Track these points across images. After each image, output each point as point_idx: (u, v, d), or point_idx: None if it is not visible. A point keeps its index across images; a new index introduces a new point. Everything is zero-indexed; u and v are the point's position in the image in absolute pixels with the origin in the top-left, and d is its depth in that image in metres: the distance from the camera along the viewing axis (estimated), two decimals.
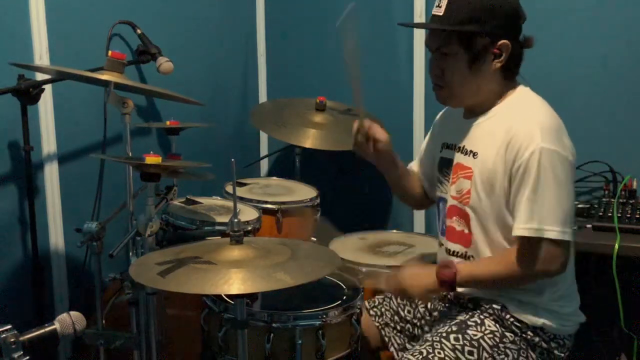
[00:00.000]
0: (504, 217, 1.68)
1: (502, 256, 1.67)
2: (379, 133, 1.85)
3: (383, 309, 1.97)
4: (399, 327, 1.95)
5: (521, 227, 1.60)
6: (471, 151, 1.74)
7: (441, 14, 1.67)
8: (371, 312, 1.97)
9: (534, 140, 1.59)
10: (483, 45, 1.66)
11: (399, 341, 1.94)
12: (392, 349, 1.94)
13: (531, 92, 1.74)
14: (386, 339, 1.95)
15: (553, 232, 1.58)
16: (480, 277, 1.70)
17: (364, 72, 3.13)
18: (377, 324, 1.96)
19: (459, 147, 1.78)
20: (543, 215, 1.59)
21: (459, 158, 1.78)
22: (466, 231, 1.75)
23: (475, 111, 1.77)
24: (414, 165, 2.07)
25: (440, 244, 1.87)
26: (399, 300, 1.96)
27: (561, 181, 1.60)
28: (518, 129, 1.62)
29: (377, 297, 2.01)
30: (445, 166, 1.84)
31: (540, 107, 1.69)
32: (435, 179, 1.90)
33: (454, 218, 1.79)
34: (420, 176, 2.05)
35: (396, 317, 1.95)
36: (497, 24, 1.65)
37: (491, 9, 1.64)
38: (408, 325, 1.94)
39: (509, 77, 1.73)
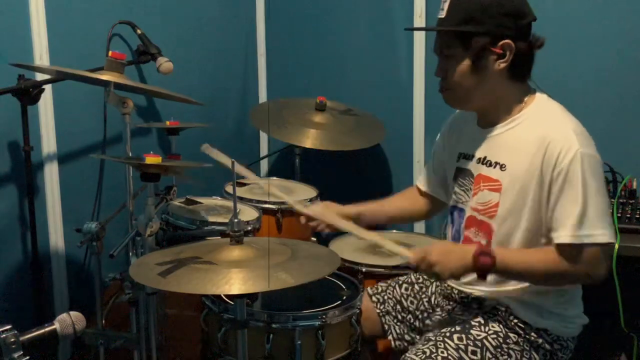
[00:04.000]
0: (532, 231, 1.66)
1: (546, 252, 1.63)
2: (324, 224, 1.88)
3: (386, 297, 1.96)
4: (400, 317, 1.94)
5: (571, 235, 1.57)
6: (497, 163, 1.71)
7: (443, 16, 1.68)
8: (373, 298, 1.97)
9: (573, 146, 1.57)
10: (482, 45, 1.64)
11: (398, 331, 1.94)
12: (390, 337, 1.94)
13: (551, 99, 1.72)
14: (386, 326, 1.94)
15: (603, 236, 1.57)
16: (518, 269, 1.64)
17: (364, 72, 3.13)
18: (378, 311, 1.95)
19: (480, 159, 1.75)
20: (592, 221, 1.57)
21: (481, 169, 1.75)
22: (484, 243, 1.73)
23: (492, 120, 1.74)
24: (421, 184, 2.05)
25: None
26: (403, 290, 1.95)
27: (601, 185, 1.60)
28: (553, 136, 1.60)
29: (380, 284, 2.00)
30: (462, 176, 1.82)
31: (566, 114, 1.68)
32: (450, 188, 1.89)
33: (472, 229, 1.77)
34: (430, 193, 2.03)
35: (398, 307, 1.95)
36: (496, 23, 1.63)
37: (489, 8, 1.63)
38: (409, 316, 1.93)
39: (519, 80, 1.70)
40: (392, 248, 1.75)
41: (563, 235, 1.58)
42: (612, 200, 2.21)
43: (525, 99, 1.71)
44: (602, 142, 2.43)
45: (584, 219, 1.57)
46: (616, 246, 1.99)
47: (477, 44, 1.64)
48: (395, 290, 1.97)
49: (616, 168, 2.35)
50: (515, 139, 1.68)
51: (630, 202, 2.21)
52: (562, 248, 1.59)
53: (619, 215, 2.12)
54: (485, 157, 1.74)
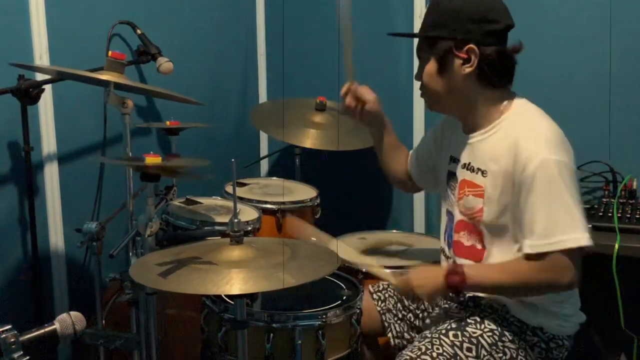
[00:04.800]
0: (518, 235, 1.66)
1: (513, 266, 1.65)
2: (366, 93, 1.94)
3: (387, 295, 1.97)
4: (400, 315, 1.95)
5: (533, 244, 1.58)
6: (479, 169, 1.72)
7: (422, 22, 1.75)
8: (374, 296, 1.98)
9: (540, 153, 1.58)
10: (445, 49, 1.68)
11: (397, 329, 1.95)
12: (389, 334, 1.94)
13: (529, 103, 1.73)
14: (386, 324, 1.95)
15: (570, 241, 1.56)
16: (487, 285, 1.68)
17: (365, 73, 3.14)
18: (379, 309, 1.96)
19: (465, 164, 1.78)
20: (557, 227, 1.57)
21: (465, 175, 1.77)
22: (478, 246, 1.74)
23: (472, 126, 1.77)
24: (409, 164, 2.10)
25: (447, 257, 1.85)
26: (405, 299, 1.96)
27: (570, 190, 1.58)
28: (522, 142, 1.61)
29: (381, 282, 2.01)
30: (451, 179, 1.84)
31: (541, 119, 1.68)
32: (443, 190, 1.90)
33: (462, 233, 1.78)
34: (409, 167, 2.09)
35: (399, 305, 1.96)
36: (460, 29, 1.65)
37: (454, 13, 1.66)
38: (410, 315, 1.94)
39: (492, 85, 1.71)
40: (381, 275, 1.82)
41: (527, 244, 1.59)
42: (612, 200, 2.21)
43: (504, 104, 1.72)
44: (602, 142, 2.45)
45: (547, 227, 1.57)
46: (616, 246, 1.99)
47: (441, 47, 1.69)
48: None
49: (616, 168, 2.35)
50: (493, 146, 1.70)
51: (630, 202, 2.21)
52: (528, 257, 1.60)
53: (619, 215, 2.12)
54: (469, 163, 1.77)
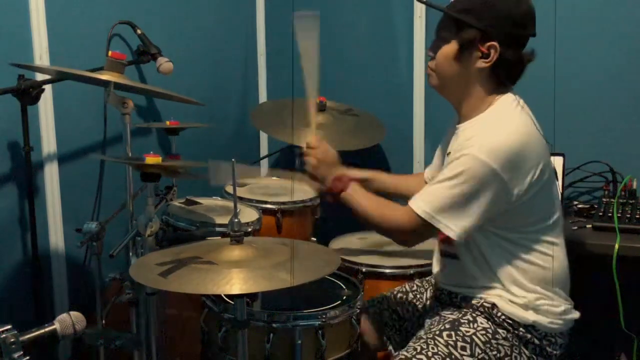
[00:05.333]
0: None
1: (389, 204, 1.80)
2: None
3: (382, 307, 1.98)
4: (397, 326, 1.96)
5: (423, 208, 1.66)
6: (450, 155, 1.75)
7: (453, 0, 1.73)
8: (370, 310, 1.98)
9: (473, 147, 1.61)
10: (471, 38, 1.67)
11: (397, 340, 1.95)
12: (390, 347, 1.95)
13: (512, 102, 1.72)
14: (385, 337, 1.96)
15: (442, 226, 1.64)
16: (357, 206, 1.81)
17: (365, 72, 3.13)
18: (376, 323, 1.96)
19: (449, 153, 1.80)
20: (444, 209, 1.64)
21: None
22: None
23: (463, 116, 1.78)
24: (426, 176, 2.09)
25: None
26: (398, 299, 1.97)
27: (474, 195, 1.61)
28: (474, 136, 1.64)
29: (376, 296, 2.02)
30: None
31: (505, 122, 1.67)
32: None
33: None
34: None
35: (395, 316, 1.96)
36: (490, 23, 1.66)
37: (490, 6, 1.66)
38: (406, 324, 1.95)
39: (497, 84, 1.72)
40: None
41: (419, 204, 1.67)
42: (612, 200, 2.21)
43: (495, 98, 1.73)
44: (602, 142, 2.45)
45: (435, 202, 1.65)
46: (616, 246, 1.99)
47: (467, 34, 1.67)
48: (390, 301, 1.99)
49: (616, 168, 2.35)
50: (466, 136, 1.71)
51: (630, 202, 2.21)
52: (405, 208, 1.70)
53: (619, 215, 2.12)
54: (450, 153, 1.78)
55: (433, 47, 1.77)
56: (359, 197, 1.82)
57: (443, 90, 1.80)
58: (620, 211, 2.14)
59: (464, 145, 1.64)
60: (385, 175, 2.14)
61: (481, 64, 1.69)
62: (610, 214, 2.13)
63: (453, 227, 1.64)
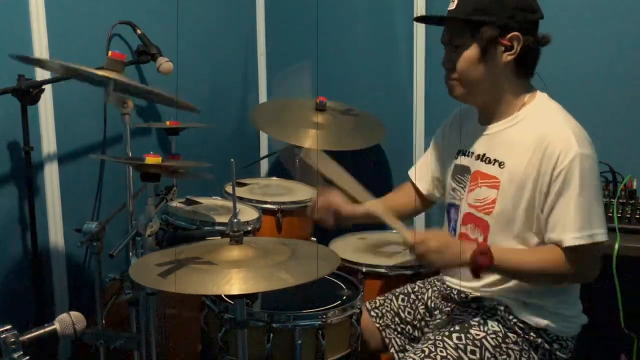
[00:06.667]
0: (525, 229, 1.67)
1: (546, 252, 1.63)
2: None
3: (384, 310, 1.97)
4: (399, 329, 1.95)
5: (577, 237, 1.58)
6: (496, 160, 1.72)
7: (454, 7, 1.69)
8: (372, 313, 1.97)
9: (573, 147, 1.58)
10: (491, 36, 1.65)
11: (399, 342, 1.94)
12: (392, 350, 1.94)
13: (551, 99, 1.73)
14: (386, 340, 1.95)
15: (602, 235, 1.60)
16: (513, 269, 1.65)
17: (365, 72, 3.13)
18: (378, 325, 1.96)
19: (479, 155, 1.76)
20: (594, 221, 1.59)
21: (479, 166, 1.76)
22: (480, 239, 1.74)
23: (492, 116, 1.75)
24: (415, 179, 2.06)
25: None
26: (399, 301, 1.97)
27: (599, 185, 1.63)
28: (553, 137, 1.61)
29: (378, 298, 2.01)
30: (460, 173, 1.83)
31: (565, 115, 1.68)
32: (448, 186, 1.89)
33: (469, 226, 1.78)
34: (417, 183, 2.05)
35: (397, 319, 1.96)
36: (506, 15, 1.64)
37: (501, 0, 1.64)
38: (408, 327, 1.94)
39: (522, 76, 1.71)
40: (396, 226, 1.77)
41: (569, 238, 1.58)
42: (612, 200, 2.21)
43: (527, 97, 1.72)
44: (602, 142, 2.43)
45: (587, 220, 1.58)
46: (616, 246, 1.99)
47: (486, 33, 1.64)
48: (392, 303, 1.98)
49: (616, 168, 2.34)
50: (514, 137, 1.69)
51: (630, 202, 2.21)
52: (568, 250, 1.60)
53: (619, 215, 2.12)
54: (484, 154, 1.75)
55: (447, 60, 1.72)
56: (510, 264, 1.64)
57: (469, 96, 1.75)
58: (620, 211, 2.14)
59: (545, 149, 1.60)
60: (378, 204, 1.92)
61: (507, 57, 1.67)
62: (610, 214, 2.13)
63: (605, 229, 1.62)
